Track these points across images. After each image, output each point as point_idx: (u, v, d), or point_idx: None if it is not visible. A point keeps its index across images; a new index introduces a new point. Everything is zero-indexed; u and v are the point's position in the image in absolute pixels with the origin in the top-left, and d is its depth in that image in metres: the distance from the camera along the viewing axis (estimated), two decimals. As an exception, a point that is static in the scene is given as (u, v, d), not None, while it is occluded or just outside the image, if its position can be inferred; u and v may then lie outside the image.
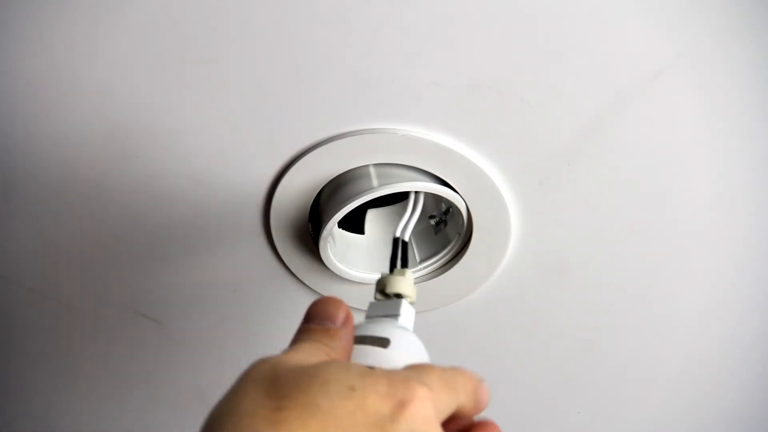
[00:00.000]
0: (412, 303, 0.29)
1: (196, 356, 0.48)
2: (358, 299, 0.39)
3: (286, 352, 0.27)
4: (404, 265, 0.32)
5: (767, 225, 0.39)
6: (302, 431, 0.21)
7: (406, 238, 0.33)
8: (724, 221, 0.39)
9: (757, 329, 0.44)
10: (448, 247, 0.40)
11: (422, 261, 0.41)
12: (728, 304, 0.43)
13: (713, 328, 0.44)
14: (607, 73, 0.33)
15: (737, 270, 0.41)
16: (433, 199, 0.41)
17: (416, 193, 0.36)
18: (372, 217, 0.42)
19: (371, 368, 0.24)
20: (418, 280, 0.41)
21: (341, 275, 0.40)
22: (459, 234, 0.39)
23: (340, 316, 0.28)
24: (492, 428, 0.28)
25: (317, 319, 0.29)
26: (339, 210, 0.35)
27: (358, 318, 0.28)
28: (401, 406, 0.23)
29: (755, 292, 0.42)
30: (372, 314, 0.29)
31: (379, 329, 0.27)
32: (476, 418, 0.28)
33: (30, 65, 0.33)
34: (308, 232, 0.40)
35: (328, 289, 0.42)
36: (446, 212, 0.41)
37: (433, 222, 0.42)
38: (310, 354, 0.27)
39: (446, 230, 0.41)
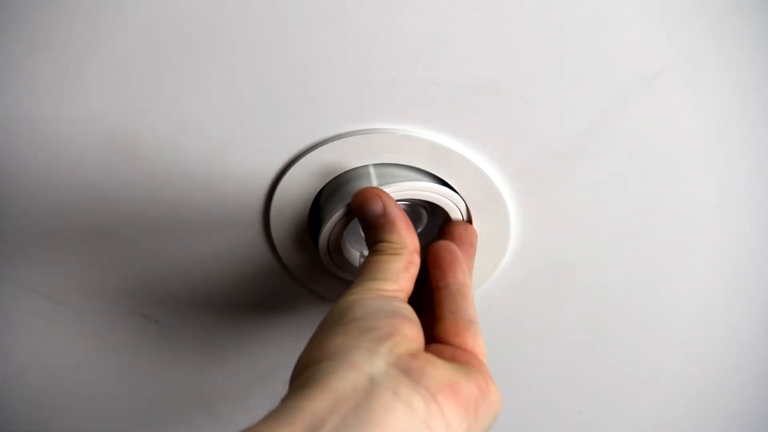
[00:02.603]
0: None
1: (196, 356, 0.48)
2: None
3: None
4: None
5: (767, 225, 0.39)
6: None
7: None
8: (724, 221, 0.39)
9: (757, 329, 0.44)
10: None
11: (422, 261, 0.41)
12: (728, 304, 0.43)
13: (713, 328, 0.44)
14: (607, 73, 0.33)
15: (737, 270, 0.41)
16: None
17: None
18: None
19: None
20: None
21: (341, 276, 0.40)
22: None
23: (377, 208, 0.33)
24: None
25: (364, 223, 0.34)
26: (339, 210, 0.35)
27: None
28: None
29: (755, 293, 0.42)
30: None
31: None
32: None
33: (29, 65, 0.33)
34: (308, 232, 0.40)
35: (328, 289, 0.42)
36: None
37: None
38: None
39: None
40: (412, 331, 0.28)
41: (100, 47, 0.33)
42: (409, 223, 0.33)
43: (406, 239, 0.32)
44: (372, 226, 0.33)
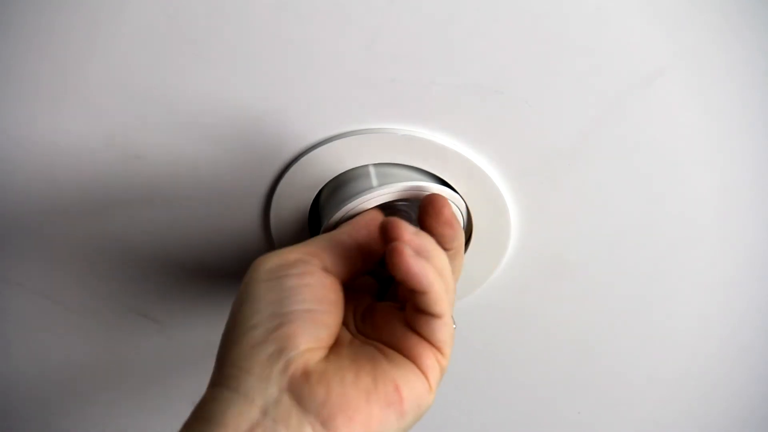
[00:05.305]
0: None
1: (196, 356, 0.48)
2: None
3: None
4: None
5: None
6: None
7: None
8: (724, 221, 0.39)
9: (759, 329, 0.44)
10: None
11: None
12: (729, 304, 0.43)
13: (714, 328, 0.44)
14: (607, 73, 0.33)
15: (738, 270, 0.41)
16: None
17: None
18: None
19: None
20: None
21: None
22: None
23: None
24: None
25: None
26: (338, 210, 0.35)
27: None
28: None
29: (756, 292, 0.42)
30: None
31: None
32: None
33: (29, 66, 0.33)
34: (308, 232, 0.40)
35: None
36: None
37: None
38: None
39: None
40: (307, 335, 0.27)
41: (100, 47, 0.33)
42: (370, 221, 0.32)
43: (350, 224, 0.32)
44: None
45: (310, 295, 0.28)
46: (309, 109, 0.35)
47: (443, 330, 0.29)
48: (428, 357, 0.29)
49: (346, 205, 0.35)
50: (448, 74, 0.33)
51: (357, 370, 0.27)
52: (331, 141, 0.36)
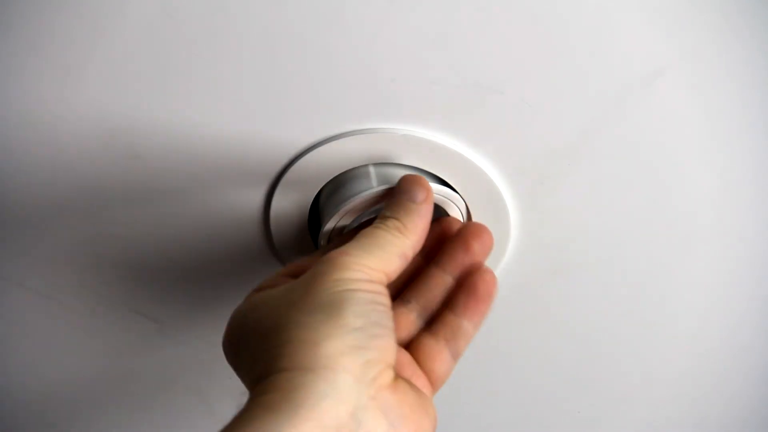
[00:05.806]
0: None
1: (196, 356, 0.48)
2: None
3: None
4: None
5: None
6: None
7: None
8: (725, 221, 0.39)
9: (758, 329, 0.44)
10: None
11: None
12: (729, 303, 0.43)
13: (714, 327, 0.44)
14: (607, 72, 0.33)
15: (738, 269, 0.41)
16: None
17: None
18: (372, 217, 0.42)
19: None
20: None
21: (341, 275, 0.40)
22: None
23: (421, 193, 0.32)
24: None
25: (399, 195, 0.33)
26: (338, 210, 0.35)
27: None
28: None
29: (756, 292, 0.42)
30: None
31: None
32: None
33: (29, 65, 0.33)
34: (308, 232, 0.40)
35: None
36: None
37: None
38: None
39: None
40: (393, 351, 0.28)
41: (100, 47, 0.33)
42: (429, 225, 0.32)
43: (418, 229, 0.31)
44: (396, 205, 0.32)
45: (391, 316, 0.29)
46: (309, 109, 0.35)
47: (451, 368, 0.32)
48: (431, 391, 0.31)
49: (346, 205, 0.35)
50: (448, 74, 0.33)
51: (415, 392, 0.28)
52: (331, 141, 0.36)
